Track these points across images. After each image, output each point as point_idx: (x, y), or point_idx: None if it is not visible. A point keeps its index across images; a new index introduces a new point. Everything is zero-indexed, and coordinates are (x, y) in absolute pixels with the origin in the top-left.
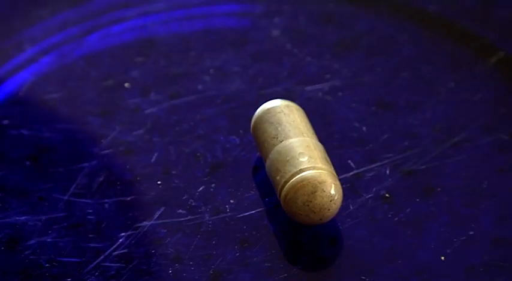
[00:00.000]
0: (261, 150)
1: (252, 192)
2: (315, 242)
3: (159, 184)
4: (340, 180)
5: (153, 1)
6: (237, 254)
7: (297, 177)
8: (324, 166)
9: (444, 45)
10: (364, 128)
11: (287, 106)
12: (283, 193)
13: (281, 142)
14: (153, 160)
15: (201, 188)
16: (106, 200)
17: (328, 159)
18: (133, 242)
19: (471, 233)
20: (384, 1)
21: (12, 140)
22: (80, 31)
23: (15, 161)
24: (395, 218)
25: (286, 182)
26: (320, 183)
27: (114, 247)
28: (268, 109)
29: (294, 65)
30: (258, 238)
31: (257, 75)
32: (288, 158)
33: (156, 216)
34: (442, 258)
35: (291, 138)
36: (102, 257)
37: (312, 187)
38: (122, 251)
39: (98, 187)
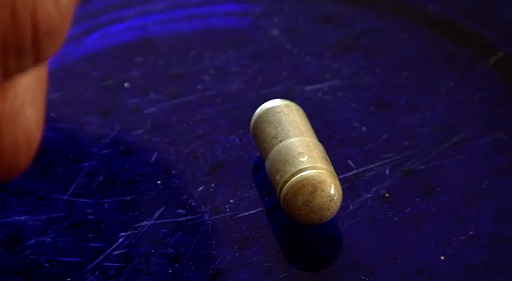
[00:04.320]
0: (260, 150)
1: (252, 192)
2: (314, 242)
3: (159, 184)
4: (339, 180)
5: (153, 1)
6: (237, 254)
7: (296, 177)
8: (323, 166)
9: (444, 45)
10: (364, 128)
11: (287, 106)
12: (283, 192)
13: (281, 141)
14: (152, 159)
15: (200, 188)
16: (106, 200)
17: (328, 159)
18: (132, 242)
19: (471, 233)
20: (383, 1)
21: None
22: (79, 31)
23: None
24: (395, 218)
25: (285, 182)
26: (320, 183)
27: (114, 246)
28: (268, 109)
29: (293, 65)
30: (257, 237)
31: (257, 75)
32: (287, 158)
33: (155, 216)
34: (442, 258)
35: (291, 138)
36: (101, 257)
37: (311, 187)
38: (121, 251)
39: (97, 187)
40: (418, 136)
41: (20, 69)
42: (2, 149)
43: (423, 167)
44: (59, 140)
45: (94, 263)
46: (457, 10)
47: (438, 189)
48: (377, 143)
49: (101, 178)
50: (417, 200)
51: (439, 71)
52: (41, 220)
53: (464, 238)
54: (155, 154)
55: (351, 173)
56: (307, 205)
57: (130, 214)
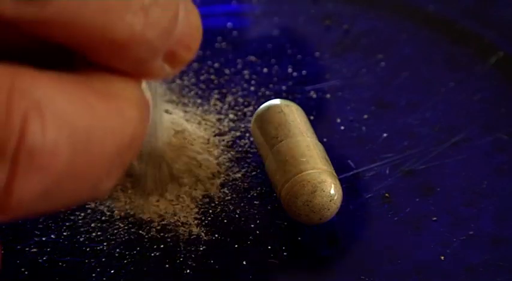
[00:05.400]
0: (260, 150)
1: (252, 191)
2: (315, 242)
3: None
4: (340, 180)
5: None
6: (237, 253)
7: (296, 177)
8: (323, 166)
9: (444, 45)
10: (363, 128)
11: (287, 106)
12: (283, 192)
13: (281, 141)
14: None
15: (201, 188)
16: (106, 200)
17: (328, 159)
18: (133, 242)
19: (471, 233)
20: (383, 1)
21: None
22: None
23: None
24: (395, 218)
25: (286, 182)
26: (320, 183)
27: (114, 246)
28: (268, 109)
29: (293, 65)
30: (258, 237)
31: (257, 75)
32: (287, 158)
33: (156, 216)
34: (442, 258)
35: (291, 138)
36: (102, 257)
37: (311, 187)
38: (122, 251)
39: None
40: (418, 136)
41: None
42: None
43: (423, 167)
44: None
45: (94, 263)
46: (457, 10)
47: (438, 189)
48: (377, 143)
49: None
50: (417, 200)
51: (439, 71)
52: (41, 220)
53: (464, 238)
54: None
55: (351, 173)
56: (307, 205)
57: (131, 213)
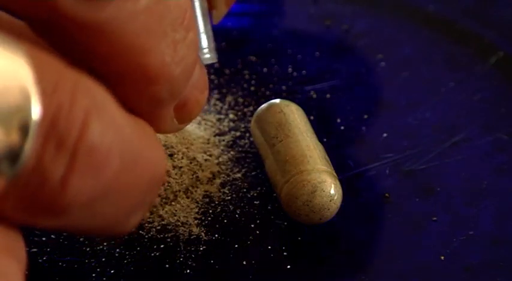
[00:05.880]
0: (260, 150)
1: (252, 192)
2: (314, 242)
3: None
4: (340, 180)
5: None
6: (237, 253)
7: (296, 177)
8: (323, 166)
9: (444, 45)
10: (363, 128)
11: (287, 106)
12: (283, 192)
13: (280, 141)
14: None
15: (201, 189)
16: None
17: (328, 159)
18: (133, 242)
19: (471, 233)
20: (383, 1)
21: None
22: None
23: None
24: (395, 218)
25: (286, 182)
26: (320, 183)
27: (114, 246)
28: (268, 109)
29: (293, 65)
30: (258, 237)
31: (257, 75)
32: (287, 158)
33: (156, 216)
34: (442, 258)
35: (291, 138)
36: (102, 257)
37: (311, 187)
38: (122, 251)
39: None
40: (418, 136)
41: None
42: None
43: (423, 167)
44: None
45: (94, 263)
46: (457, 10)
47: (438, 189)
48: (377, 143)
49: None
50: (417, 200)
51: (439, 71)
52: None
53: (464, 238)
54: None
55: (351, 173)
56: (307, 205)
57: None
